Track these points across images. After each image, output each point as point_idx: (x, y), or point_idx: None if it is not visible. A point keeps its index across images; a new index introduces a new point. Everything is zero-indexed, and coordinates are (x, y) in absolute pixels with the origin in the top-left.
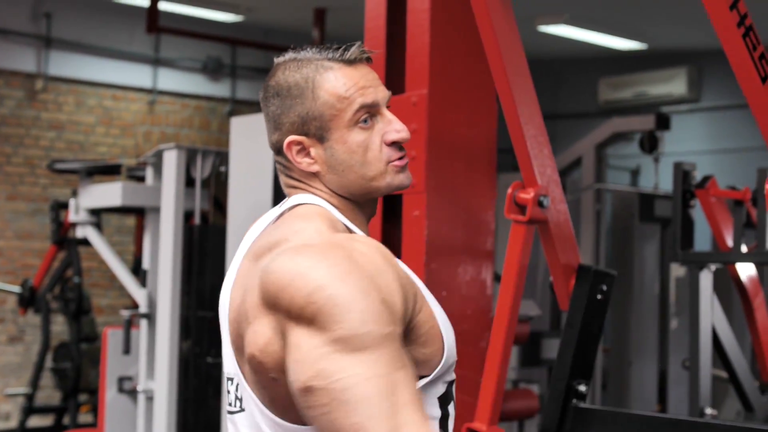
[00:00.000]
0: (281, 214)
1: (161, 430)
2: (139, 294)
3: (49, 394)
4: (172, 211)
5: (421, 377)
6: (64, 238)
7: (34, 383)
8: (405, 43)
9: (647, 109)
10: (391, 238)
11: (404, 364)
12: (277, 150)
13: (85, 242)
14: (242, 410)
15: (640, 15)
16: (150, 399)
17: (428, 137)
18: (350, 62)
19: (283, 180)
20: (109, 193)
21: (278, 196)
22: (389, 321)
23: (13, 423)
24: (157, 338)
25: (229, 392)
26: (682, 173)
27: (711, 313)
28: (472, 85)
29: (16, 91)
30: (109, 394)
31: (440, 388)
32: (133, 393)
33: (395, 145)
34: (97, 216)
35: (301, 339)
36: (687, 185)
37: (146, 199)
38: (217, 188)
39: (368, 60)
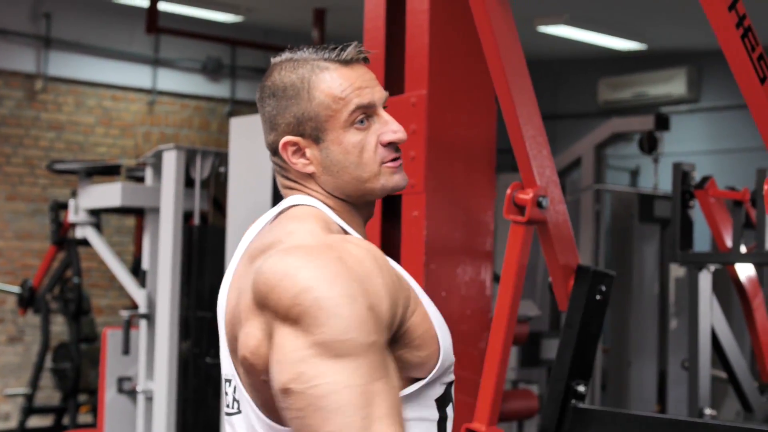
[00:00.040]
0: (277, 216)
1: (161, 430)
2: (138, 294)
3: (48, 394)
4: (171, 211)
5: (417, 380)
6: (63, 238)
7: (34, 383)
8: (404, 43)
9: (647, 110)
10: (391, 239)
11: (385, 375)
12: (273, 150)
13: (84, 243)
14: (239, 412)
15: (640, 15)
16: (149, 399)
17: (427, 138)
18: (346, 62)
19: (280, 181)
20: (108, 194)
21: (277, 196)
22: (373, 329)
23: (13, 423)
24: (157, 338)
25: (226, 394)
26: (682, 174)
27: (710, 313)
28: (472, 86)
29: (16, 92)
30: (109, 394)
31: (438, 390)
32: (132, 393)
33: (391, 146)
34: (97, 216)
35: (285, 339)
36: (686, 186)
37: (146, 200)
38: (216, 189)
39: (365, 60)
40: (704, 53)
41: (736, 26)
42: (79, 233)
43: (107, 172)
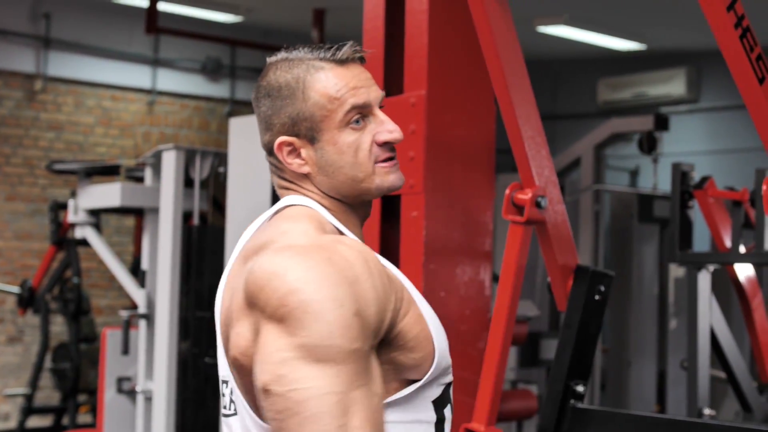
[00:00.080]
0: (273, 216)
1: (160, 430)
2: (137, 294)
3: (48, 394)
4: (170, 211)
5: (413, 382)
6: (63, 238)
7: (33, 384)
8: (403, 43)
9: (646, 110)
10: (390, 239)
11: (365, 383)
12: (269, 151)
13: (84, 243)
14: (235, 414)
15: (640, 16)
16: (149, 399)
17: (426, 138)
18: (342, 62)
19: (276, 181)
20: (108, 194)
21: (277, 196)
22: (358, 336)
23: (13, 423)
24: (156, 339)
25: (223, 395)
26: (681, 174)
27: (709, 313)
28: (471, 86)
29: (15, 92)
30: (108, 394)
31: (435, 392)
32: (132, 393)
33: (386, 145)
34: (96, 216)
35: (269, 338)
36: (685, 186)
37: (145, 200)
38: (215, 189)
39: (361, 59)
40: (704, 53)
41: (735, 26)
42: (79, 233)
43: (107, 172)
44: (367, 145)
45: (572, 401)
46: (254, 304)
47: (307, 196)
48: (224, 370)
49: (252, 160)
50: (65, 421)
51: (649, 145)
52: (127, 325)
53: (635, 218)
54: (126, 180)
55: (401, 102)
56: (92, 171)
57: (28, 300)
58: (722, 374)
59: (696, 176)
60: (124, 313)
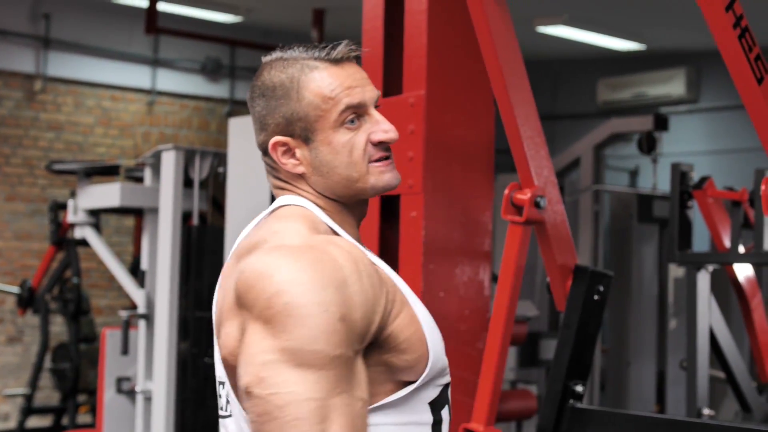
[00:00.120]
0: (267, 216)
1: (159, 430)
2: (137, 294)
3: (47, 394)
4: (170, 211)
5: (408, 383)
6: (62, 238)
7: (33, 384)
8: (403, 44)
9: (646, 110)
10: (389, 239)
11: (347, 389)
12: (264, 151)
13: (83, 243)
14: (231, 415)
15: (639, 16)
16: (148, 399)
17: (426, 138)
18: (337, 61)
19: (271, 181)
20: (107, 194)
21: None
22: (342, 341)
23: (12, 423)
24: (156, 339)
25: (220, 396)
26: (680, 174)
27: (708, 313)
28: (470, 86)
29: (15, 92)
30: (108, 394)
31: (432, 393)
32: (131, 393)
33: (381, 145)
34: (96, 217)
35: (254, 339)
36: (685, 186)
37: (145, 200)
38: (215, 189)
39: (357, 59)
40: (703, 54)
41: (734, 27)
42: (78, 233)
43: (106, 172)
44: (361, 144)
45: (571, 401)
46: (243, 304)
47: (302, 196)
48: (220, 370)
49: (251, 160)
50: (65, 421)
51: (648, 145)
52: (127, 325)
53: (635, 218)
54: (125, 180)
55: (400, 102)
56: (92, 171)
57: (27, 300)
58: (721, 374)
59: (695, 176)
60: (123, 313)
